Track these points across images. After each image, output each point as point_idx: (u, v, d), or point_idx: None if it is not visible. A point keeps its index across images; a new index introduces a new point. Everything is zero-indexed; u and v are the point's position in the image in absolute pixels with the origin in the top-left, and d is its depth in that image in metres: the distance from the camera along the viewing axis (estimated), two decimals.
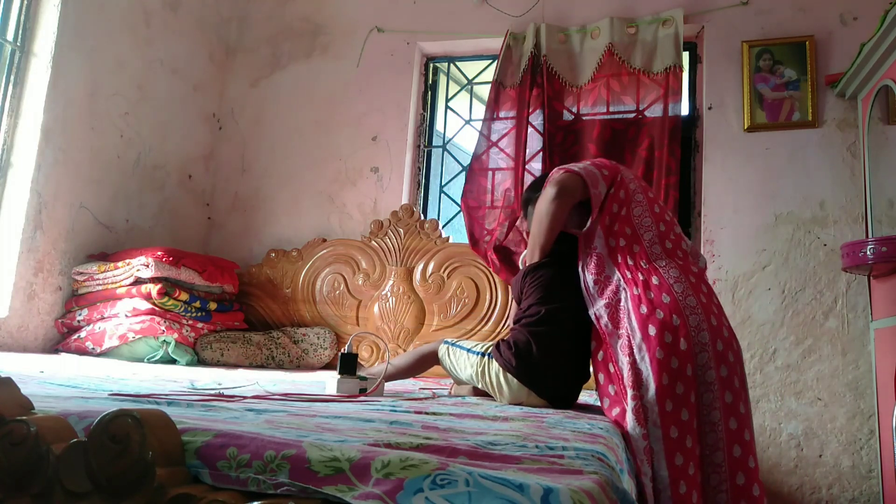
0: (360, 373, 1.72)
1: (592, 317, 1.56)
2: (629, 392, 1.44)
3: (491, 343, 1.69)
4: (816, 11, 2.80)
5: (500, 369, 1.57)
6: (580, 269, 1.61)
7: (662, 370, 1.42)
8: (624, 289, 1.53)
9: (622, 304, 1.52)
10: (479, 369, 1.63)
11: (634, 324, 1.48)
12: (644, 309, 1.48)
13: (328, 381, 1.60)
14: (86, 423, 0.66)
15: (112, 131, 2.84)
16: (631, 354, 1.46)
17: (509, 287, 2.81)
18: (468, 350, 1.70)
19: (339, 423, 0.91)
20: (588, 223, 1.63)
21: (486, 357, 1.63)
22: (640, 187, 1.74)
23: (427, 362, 1.81)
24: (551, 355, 1.55)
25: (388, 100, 3.25)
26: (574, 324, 1.59)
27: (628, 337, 1.48)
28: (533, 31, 2.98)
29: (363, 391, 1.57)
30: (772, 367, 2.63)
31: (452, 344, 1.76)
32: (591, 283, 1.57)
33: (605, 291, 1.55)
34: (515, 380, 1.54)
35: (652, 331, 1.45)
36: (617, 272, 1.57)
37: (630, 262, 1.57)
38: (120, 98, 2.86)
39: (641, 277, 1.54)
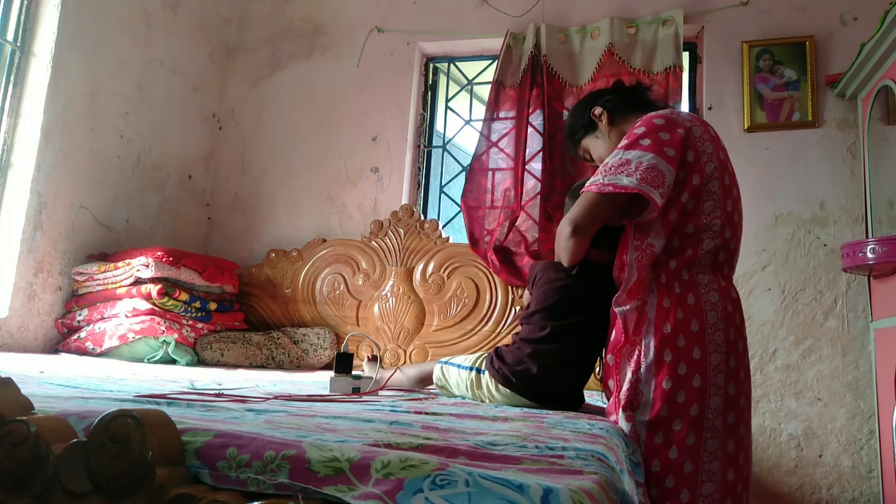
0: (374, 374, 1.73)
1: (621, 317, 1.37)
2: (621, 413, 1.34)
3: (481, 354, 1.62)
4: (816, 11, 2.81)
5: (492, 381, 1.51)
6: (630, 262, 1.36)
7: (665, 401, 1.30)
8: (653, 293, 1.36)
9: (646, 309, 1.36)
10: (468, 382, 1.58)
11: (651, 341, 1.33)
12: (668, 328, 1.32)
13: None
14: (86, 423, 0.66)
15: (112, 131, 2.84)
16: (636, 373, 1.34)
17: (510, 287, 2.81)
18: (458, 366, 1.63)
19: (338, 423, 0.91)
20: (644, 214, 1.35)
21: (476, 371, 1.57)
22: (717, 166, 1.40)
23: (427, 382, 1.78)
24: (554, 375, 1.47)
25: (388, 100, 3.25)
26: (584, 342, 1.49)
27: (640, 353, 1.35)
28: (533, 31, 2.98)
29: (356, 390, 1.57)
30: (772, 367, 2.63)
31: (445, 363, 1.69)
32: (632, 282, 1.36)
33: (638, 292, 1.37)
34: (508, 389, 1.48)
35: (668, 356, 1.31)
36: (651, 273, 1.38)
37: (672, 266, 1.37)
38: (120, 98, 2.86)
39: (678, 290, 1.35)
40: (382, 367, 1.93)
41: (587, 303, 1.50)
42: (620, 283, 1.41)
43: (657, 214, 1.32)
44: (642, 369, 1.34)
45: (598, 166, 1.61)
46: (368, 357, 2.07)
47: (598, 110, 1.62)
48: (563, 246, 1.43)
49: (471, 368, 1.58)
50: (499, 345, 1.71)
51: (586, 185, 1.39)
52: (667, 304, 1.34)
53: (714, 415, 1.31)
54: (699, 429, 1.30)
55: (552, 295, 1.51)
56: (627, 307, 1.37)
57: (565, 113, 2.93)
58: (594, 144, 1.65)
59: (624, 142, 1.40)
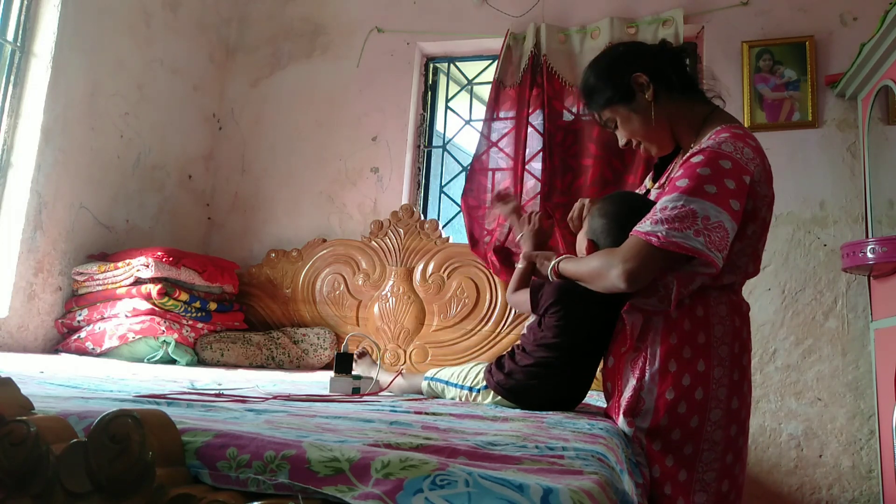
0: (367, 372, 1.72)
1: (629, 323, 1.34)
2: (622, 418, 1.32)
3: (468, 370, 1.56)
4: (816, 11, 2.81)
5: (494, 396, 1.47)
6: (670, 298, 1.30)
7: (666, 411, 1.27)
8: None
9: (654, 317, 1.33)
10: (464, 400, 1.55)
11: (658, 349, 1.31)
12: (674, 339, 1.30)
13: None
14: (86, 423, 0.66)
15: (112, 131, 2.84)
16: (640, 380, 1.32)
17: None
18: (446, 383, 1.59)
19: (338, 423, 0.91)
20: (695, 266, 1.27)
21: (468, 391, 1.52)
22: (767, 205, 1.33)
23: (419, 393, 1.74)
24: (567, 387, 1.45)
25: (388, 100, 3.26)
26: (592, 348, 1.46)
27: (645, 360, 1.32)
28: (533, 31, 2.98)
29: (356, 391, 1.57)
30: (772, 367, 2.62)
31: (431, 379, 1.64)
32: (651, 308, 1.31)
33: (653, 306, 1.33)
34: (516, 405, 1.44)
35: (673, 367, 1.29)
36: (659, 280, 1.31)
37: (683, 278, 1.30)
38: (120, 98, 2.86)
39: (687, 301, 1.32)
40: (383, 368, 1.89)
41: (599, 315, 1.45)
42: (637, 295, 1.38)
43: (716, 274, 1.25)
44: (646, 377, 1.31)
45: (616, 137, 1.50)
46: (357, 353, 1.91)
47: (643, 78, 1.39)
48: (606, 287, 1.30)
49: (461, 387, 1.53)
50: (495, 357, 1.62)
51: (640, 227, 1.23)
52: (675, 314, 1.32)
53: (713, 427, 1.29)
54: (697, 440, 1.29)
55: (571, 324, 1.43)
56: (635, 317, 1.34)
57: (565, 112, 2.93)
58: (627, 119, 1.44)
59: (684, 181, 1.23)
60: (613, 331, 1.44)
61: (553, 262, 1.48)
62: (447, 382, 1.59)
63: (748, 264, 1.36)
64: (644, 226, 1.23)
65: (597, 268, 1.30)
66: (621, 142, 1.50)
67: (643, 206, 1.33)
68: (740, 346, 1.35)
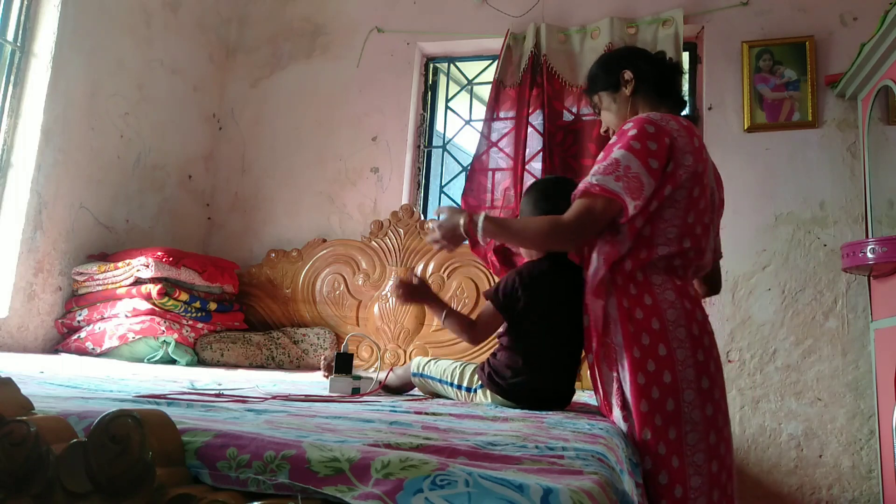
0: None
1: (592, 318, 1.39)
2: (617, 411, 1.35)
3: (467, 365, 1.58)
4: (816, 11, 2.81)
5: (490, 394, 1.49)
6: (599, 262, 1.38)
7: (642, 397, 1.31)
8: (612, 294, 1.38)
9: (609, 309, 1.38)
10: (462, 400, 1.56)
11: (620, 340, 1.35)
12: (632, 328, 1.34)
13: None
14: (86, 423, 0.66)
15: (112, 131, 2.84)
16: (618, 372, 1.36)
17: None
18: (439, 381, 1.61)
19: (338, 423, 0.91)
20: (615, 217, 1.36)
21: (465, 391, 1.55)
22: (689, 177, 1.38)
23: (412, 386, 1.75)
24: (551, 384, 1.49)
25: (388, 100, 3.26)
26: (562, 341, 1.49)
27: (614, 353, 1.36)
28: (533, 31, 2.98)
29: (356, 391, 1.57)
30: (772, 367, 2.63)
31: (421, 375, 1.67)
32: (598, 278, 1.38)
33: (601, 292, 1.39)
34: (509, 401, 1.46)
35: (637, 353, 1.33)
36: (609, 274, 1.39)
37: (627, 268, 1.38)
38: (120, 98, 2.86)
39: (633, 291, 1.37)
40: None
41: (559, 298, 1.48)
42: (587, 280, 1.43)
43: (624, 221, 1.34)
44: (618, 369, 1.36)
45: (601, 120, 1.65)
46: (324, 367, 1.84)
47: (628, 75, 1.54)
48: (555, 242, 1.41)
49: (459, 387, 1.56)
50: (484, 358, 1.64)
51: (578, 189, 1.37)
52: (626, 305, 1.37)
53: (690, 408, 1.33)
54: (678, 423, 1.32)
55: (532, 304, 1.47)
56: (595, 307, 1.39)
57: (565, 113, 2.93)
58: (608, 107, 1.60)
59: (617, 144, 1.38)
60: (582, 325, 1.46)
61: (478, 218, 1.43)
62: (441, 381, 1.61)
63: (682, 239, 1.38)
64: (581, 184, 1.37)
65: (543, 224, 1.39)
66: (602, 128, 1.65)
67: (566, 181, 1.53)
68: (698, 327, 1.38)
